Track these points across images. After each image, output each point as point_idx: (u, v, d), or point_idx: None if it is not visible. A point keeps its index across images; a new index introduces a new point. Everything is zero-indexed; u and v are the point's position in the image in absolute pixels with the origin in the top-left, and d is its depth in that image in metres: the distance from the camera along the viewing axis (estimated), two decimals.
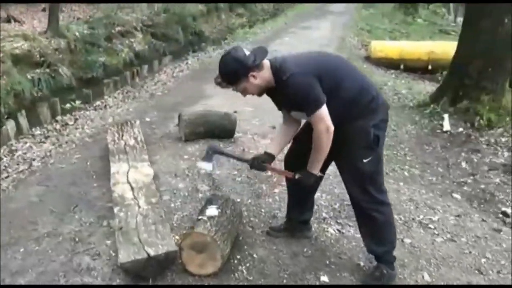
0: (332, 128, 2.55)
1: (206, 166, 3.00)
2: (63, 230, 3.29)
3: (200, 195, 3.83)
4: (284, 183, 3.99)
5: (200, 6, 13.45)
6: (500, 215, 4.37)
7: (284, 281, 2.85)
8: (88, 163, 4.42)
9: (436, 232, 3.57)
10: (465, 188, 5.03)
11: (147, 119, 5.67)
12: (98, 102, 6.66)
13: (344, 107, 2.63)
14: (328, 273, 2.94)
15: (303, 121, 2.89)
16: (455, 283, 2.96)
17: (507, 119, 6.72)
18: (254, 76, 2.63)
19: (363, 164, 2.67)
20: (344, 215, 3.66)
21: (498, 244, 3.54)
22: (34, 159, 4.58)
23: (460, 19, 19.08)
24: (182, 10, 11.79)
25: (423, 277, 2.98)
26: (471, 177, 5.31)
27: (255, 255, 3.07)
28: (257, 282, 2.83)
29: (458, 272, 3.08)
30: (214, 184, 4.01)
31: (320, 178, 2.95)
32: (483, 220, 3.96)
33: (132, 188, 3.56)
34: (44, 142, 5.10)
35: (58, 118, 5.93)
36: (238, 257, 3.03)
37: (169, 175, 4.15)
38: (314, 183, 2.86)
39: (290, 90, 2.58)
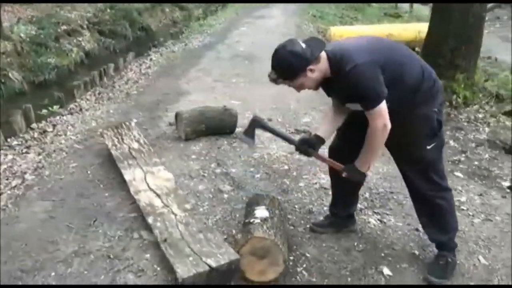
0: (389, 126, 2.40)
1: (247, 141, 2.90)
2: (91, 247, 3.00)
3: (225, 195, 3.64)
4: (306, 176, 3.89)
5: None
6: (508, 190, 4.45)
7: (349, 279, 2.73)
8: (89, 172, 4.09)
9: (471, 213, 3.56)
10: (461, 166, 5.08)
11: (134, 120, 5.33)
12: (71, 106, 6.19)
13: (408, 94, 2.47)
14: (388, 265, 2.85)
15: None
16: None
17: (480, 95, 6.96)
18: (312, 70, 2.42)
19: (426, 151, 2.57)
20: (378, 204, 3.59)
21: None
22: (25, 172, 4.17)
23: (401, 4, 19.79)
24: (128, 5, 11.32)
25: (479, 260, 2.96)
26: (463, 155, 5.36)
27: (308, 255, 2.93)
28: (320, 283, 2.70)
29: (509, 252, 3.07)
30: (234, 183, 3.82)
31: None
32: (502, 196, 4.00)
33: (158, 195, 3.31)
34: (28, 153, 4.66)
35: (34, 125, 5.45)
36: (292, 258, 2.89)
37: (183, 177, 3.92)
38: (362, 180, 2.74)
39: (351, 82, 2.37)
